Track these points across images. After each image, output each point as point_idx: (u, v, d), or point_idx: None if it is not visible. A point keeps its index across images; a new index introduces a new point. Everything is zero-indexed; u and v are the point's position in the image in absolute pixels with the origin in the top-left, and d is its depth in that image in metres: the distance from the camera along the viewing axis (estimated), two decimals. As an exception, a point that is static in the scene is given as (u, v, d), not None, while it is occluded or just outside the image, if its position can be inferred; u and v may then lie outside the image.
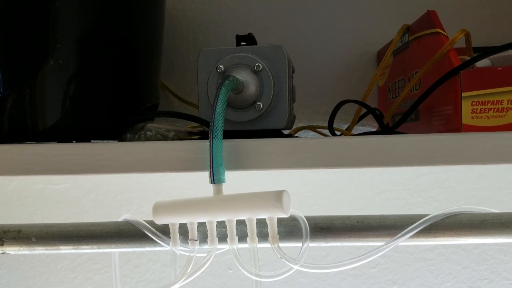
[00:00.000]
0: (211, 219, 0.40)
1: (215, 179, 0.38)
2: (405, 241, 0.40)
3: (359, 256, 0.38)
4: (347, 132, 0.56)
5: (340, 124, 0.68)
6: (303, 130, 0.66)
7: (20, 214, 0.74)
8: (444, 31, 0.48)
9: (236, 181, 0.38)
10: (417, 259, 0.73)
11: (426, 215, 0.41)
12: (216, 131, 0.38)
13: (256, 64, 0.44)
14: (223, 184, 0.39)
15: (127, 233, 0.42)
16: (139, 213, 0.72)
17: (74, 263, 0.74)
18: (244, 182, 0.71)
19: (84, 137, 0.47)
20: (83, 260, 0.74)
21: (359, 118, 0.59)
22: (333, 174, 0.73)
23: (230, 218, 0.39)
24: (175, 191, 0.72)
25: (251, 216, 0.39)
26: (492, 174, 0.72)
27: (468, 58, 0.45)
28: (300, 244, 0.42)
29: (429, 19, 0.50)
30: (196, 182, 0.72)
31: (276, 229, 0.39)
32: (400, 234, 0.40)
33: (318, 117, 0.71)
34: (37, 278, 0.74)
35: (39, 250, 0.41)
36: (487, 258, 0.72)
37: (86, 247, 0.41)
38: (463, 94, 0.43)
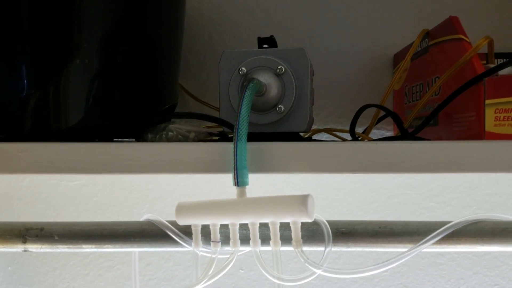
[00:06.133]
0: (234, 221, 0.40)
1: (239, 182, 0.38)
2: (427, 248, 0.40)
3: (382, 262, 0.38)
4: (365, 136, 0.56)
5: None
6: (320, 133, 0.66)
7: (34, 210, 0.74)
8: (466, 37, 0.48)
9: (250, 181, 0.39)
10: (428, 263, 0.73)
11: (448, 222, 0.41)
12: (240, 134, 0.38)
13: (279, 67, 0.44)
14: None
15: (149, 233, 0.42)
16: (152, 211, 0.72)
17: (86, 259, 0.74)
18: (256, 182, 0.71)
19: (106, 136, 0.47)
20: (95, 257, 0.74)
21: (376, 122, 0.58)
22: (346, 177, 0.73)
23: (254, 221, 0.39)
24: (189, 191, 0.72)
25: (275, 220, 0.39)
26: (505, 181, 0.72)
27: (491, 66, 0.45)
28: (320, 248, 0.42)
29: (451, 24, 0.50)
30: (210, 183, 0.72)
31: (300, 233, 0.39)
32: (423, 241, 0.40)
33: (333, 119, 0.71)
34: (49, 274, 0.75)
35: (62, 248, 0.42)
36: (499, 264, 0.72)
37: (109, 246, 0.41)
38: (487, 102, 0.43)
